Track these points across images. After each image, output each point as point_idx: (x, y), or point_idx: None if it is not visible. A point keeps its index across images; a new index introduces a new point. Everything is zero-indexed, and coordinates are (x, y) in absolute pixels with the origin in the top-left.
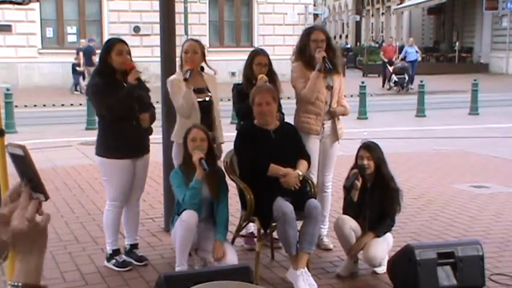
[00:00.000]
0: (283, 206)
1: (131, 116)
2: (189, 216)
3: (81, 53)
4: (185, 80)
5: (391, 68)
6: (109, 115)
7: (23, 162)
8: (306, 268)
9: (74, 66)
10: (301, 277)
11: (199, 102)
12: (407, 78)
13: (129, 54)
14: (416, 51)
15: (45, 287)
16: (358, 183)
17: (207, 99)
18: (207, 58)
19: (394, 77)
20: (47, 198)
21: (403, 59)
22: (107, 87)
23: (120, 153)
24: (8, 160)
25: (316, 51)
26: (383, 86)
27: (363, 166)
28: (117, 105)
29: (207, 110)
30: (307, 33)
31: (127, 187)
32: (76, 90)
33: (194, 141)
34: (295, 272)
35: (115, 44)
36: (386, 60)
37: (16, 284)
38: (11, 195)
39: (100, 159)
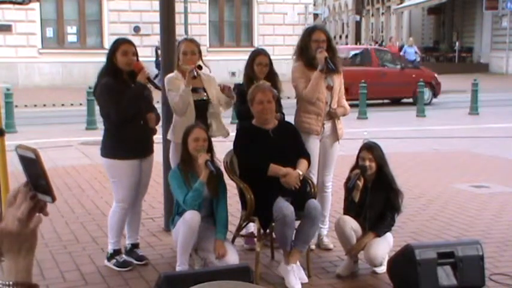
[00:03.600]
0: (284, 207)
1: (139, 115)
2: (192, 217)
3: (159, 51)
4: (194, 77)
5: None
6: (117, 115)
7: (33, 165)
8: (297, 263)
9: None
10: (292, 272)
11: (194, 101)
12: None
13: (136, 55)
14: (416, 52)
15: (36, 286)
16: (360, 184)
17: (204, 98)
18: (207, 58)
19: None
20: (54, 200)
21: None
22: (115, 87)
23: (128, 154)
24: (8, 160)
25: (317, 51)
26: None
27: (364, 167)
28: (126, 105)
29: (202, 109)
30: (309, 33)
31: (135, 187)
32: None
33: (197, 141)
34: (286, 267)
35: (121, 45)
36: None
37: (7, 283)
38: (16, 195)
39: (107, 160)
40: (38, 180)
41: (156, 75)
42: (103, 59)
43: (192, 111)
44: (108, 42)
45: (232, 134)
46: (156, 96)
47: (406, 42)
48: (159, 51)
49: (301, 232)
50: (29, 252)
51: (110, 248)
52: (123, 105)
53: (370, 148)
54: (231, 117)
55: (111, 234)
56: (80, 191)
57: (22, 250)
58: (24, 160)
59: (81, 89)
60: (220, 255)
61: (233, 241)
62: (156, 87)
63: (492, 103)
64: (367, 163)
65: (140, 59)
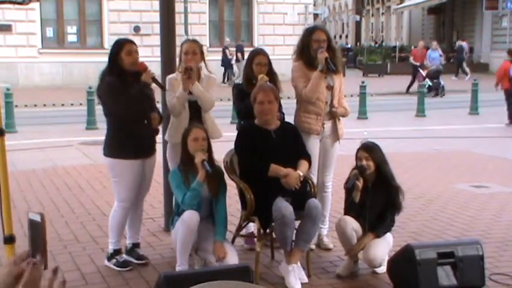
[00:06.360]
0: (283, 207)
1: (143, 115)
2: (190, 217)
3: (227, 51)
4: (189, 77)
5: (423, 72)
6: (123, 114)
7: (37, 229)
8: (298, 263)
9: (229, 61)
10: (293, 272)
11: (191, 102)
12: (442, 82)
13: (137, 53)
14: (440, 55)
15: None
16: (359, 184)
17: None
18: (207, 58)
19: (428, 81)
20: (45, 267)
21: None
22: (119, 86)
23: (132, 154)
24: (8, 160)
25: (318, 51)
26: (407, 92)
27: (362, 167)
28: (132, 104)
29: (197, 109)
30: (309, 33)
31: (137, 187)
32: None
33: (197, 141)
34: (287, 266)
35: (124, 44)
36: (418, 64)
37: None
38: (16, 260)
39: (110, 160)
40: (38, 245)
41: (229, 74)
42: (103, 59)
43: (186, 112)
44: (108, 42)
45: (232, 133)
46: (157, 96)
47: (431, 47)
48: (227, 51)
49: (302, 231)
50: None
51: (110, 248)
52: (128, 105)
53: (367, 148)
54: (231, 117)
55: (112, 234)
56: (80, 191)
57: None
58: (32, 225)
59: (81, 89)
60: (221, 258)
61: (233, 241)
62: (162, 87)
63: (492, 103)
64: (364, 162)
65: (140, 59)
